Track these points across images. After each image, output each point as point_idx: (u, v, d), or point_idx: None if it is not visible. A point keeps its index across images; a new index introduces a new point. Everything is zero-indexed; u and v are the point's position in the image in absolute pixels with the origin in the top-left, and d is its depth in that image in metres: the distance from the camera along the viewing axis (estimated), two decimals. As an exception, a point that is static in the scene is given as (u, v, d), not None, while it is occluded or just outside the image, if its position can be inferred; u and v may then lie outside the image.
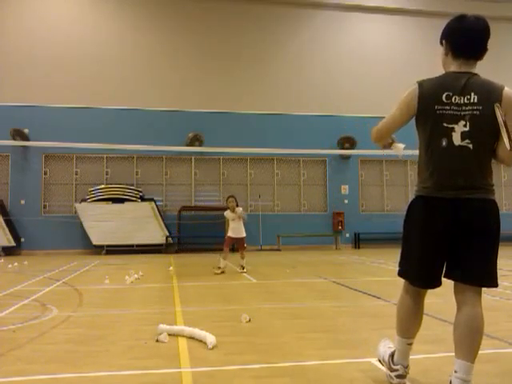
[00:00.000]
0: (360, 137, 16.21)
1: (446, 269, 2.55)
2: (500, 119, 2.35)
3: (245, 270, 8.95)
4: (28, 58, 15.53)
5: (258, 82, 16.79)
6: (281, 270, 9.56)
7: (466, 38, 2.50)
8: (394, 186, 17.38)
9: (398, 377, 2.75)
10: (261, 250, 15.68)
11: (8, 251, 14.26)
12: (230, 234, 9.12)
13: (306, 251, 15.26)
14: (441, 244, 2.49)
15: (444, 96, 2.44)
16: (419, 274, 2.56)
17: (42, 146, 13.90)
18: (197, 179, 16.41)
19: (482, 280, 2.47)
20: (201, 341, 3.77)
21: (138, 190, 15.27)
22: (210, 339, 3.68)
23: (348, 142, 16.57)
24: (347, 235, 16.71)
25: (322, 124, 16.54)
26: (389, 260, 11.32)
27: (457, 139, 2.42)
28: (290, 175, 16.98)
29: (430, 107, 2.45)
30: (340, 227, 16.48)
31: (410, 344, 2.71)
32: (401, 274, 2.67)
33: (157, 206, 15.18)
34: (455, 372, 2.42)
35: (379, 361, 2.99)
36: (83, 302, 5.83)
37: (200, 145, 15.83)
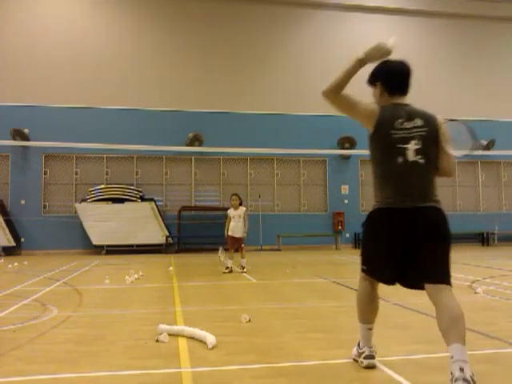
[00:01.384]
0: (360, 137, 16.20)
1: (407, 277, 2.84)
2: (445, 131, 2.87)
3: (245, 270, 8.96)
4: (28, 58, 15.53)
5: (258, 82, 16.79)
6: (281, 270, 9.56)
7: (398, 80, 2.97)
8: (393, 186, 17.37)
9: (366, 357, 3.06)
10: (261, 250, 15.68)
11: (8, 251, 14.26)
12: (230, 233, 9.09)
13: (306, 251, 15.26)
14: (399, 249, 2.79)
15: (398, 121, 2.83)
16: (382, 275, 2.94)
17: (42, 145, 13.90)
18: (197, 179, 16.41)
19: (440, 278, 2.72)
20: (201, 341, 3.77)
21: (137, 190, 15.27)
22: (210, 339, 3.68)
23: (348, 142, 16.57)
24: (347, 235, 16.71)
25: (321, 124, 16.54)
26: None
27: (411, 156, 2.80)
28: (290, 175, 16.98)
29: (386, 131, 2.82)
30: (340, 227, 16.49)
31: (370, 329, 3.08)
32: (365, 271, 3.02)
33: (157, 205, 15.18)
34: (452, 358, 2.54)
35: (354, 359, 3.21)
36: (83, 302, 5.83)
37: (200, 145, 15.83)
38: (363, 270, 3.04)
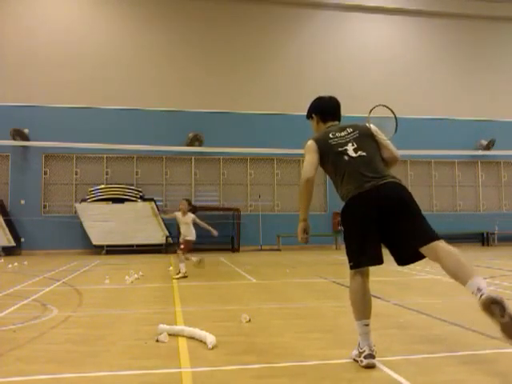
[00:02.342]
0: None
1: (399, 252, 3.13)
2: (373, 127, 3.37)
3: (181, 275, 8.26)
4: (28, 58, 15.53)
5: (258, 82, 16.79)
6: (281, 270, 9.56)
7: (329, 111, 3.57)
8: (393, 186, 17.34)
9: (366, 357, 3.06)
10: (261, 250, 15.69)
11: (8, 251, 14.27)
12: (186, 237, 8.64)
13: (306, 251, 15.26)
14: (375, 227, 3.06)
15: (330, 135, 3.36)
16: (369, 256, 3.12)
17: (42, 145, 13.91)
18: (197, 179, 16.41)
19: (431, 237, 2.98)
20: (201, 341, 3.77)
21: (137, 190, 15.27)
22: (210, 339, 3.68)
23: (348, 142, 16.56)
24: (347, 235, 16.70)
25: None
26: (388, 260, 11.31)
27: (352, 153, 3.23)
28: (290, 175, 16.99)
29: (326, 144, 3.32)
30: (340, 227, 16.48)
31: (367, 325, 3.12)
32: (353, 266, 3.16)
33: (157, 205, 15.18)
34: (472, 293, 2.67)
35: (354, 360, 3.21)
36: (83, 302, 5.83)
37: (200, 145, 15.83)
38: (351, 267, 3.19)
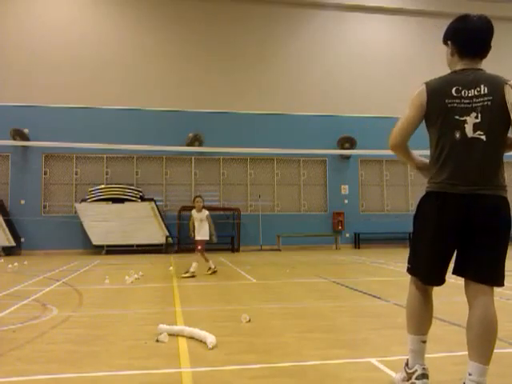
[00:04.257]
0: (360, 137, 16.22)
1: (456, 266, 2.55)
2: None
3: (210, 272, 8.61)
4: (28, 58, 15.53)
5: (258, 82, 16.79)
6: (281, 270, 9.56)
7: (471, 38, 2.60)
8: (393, 186, 17.35)
9: (418, 378, 2.57)
10: (261, 250, 15.68)
11: (8, 251, 14.26)
12: (196, 235, 8.73)
13: (306, 251, 15.26)
14: (452, 242, 2.49)
15: (453, 90, 2.49)
16: (429, 272, 2.56)
17: (41, 146, 13.89)
18: (197, 179, 16.41)
19: (493, 279, 2.46)
20: (201, 341, 3.77)
21: (137, 190, 15.26)
22: (210, 339, 3.68)
23: (348, 142, 16.57)
24: (347, 235, 16.71)
25: (321, 124, 16.54)
26: (389, 260, 11.33)
27: (469, 131, 2.44)
28: (290, 175, 16.98)
29: (441, 102, 2.49)
30: (340, 227, 16.48)
31: (424, 342, 2.64)
32: (410, 270, 2.66)
33: (157, 205, 15.18)
34: (469, 375, 2.38)
35: None
36: (83, 302, 5.83)
37: (200, 145, 15.83)
38: (408, 270, 2.69)
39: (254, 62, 16.87)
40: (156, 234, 14.99)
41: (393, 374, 2.95)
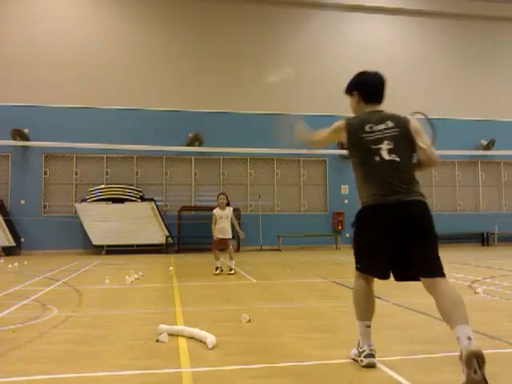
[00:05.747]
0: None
1: (400, 271, 3.01)
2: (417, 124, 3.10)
3: (232, 272, 8.59)
4: (28, 58, 15.53)
5: (258, 82, 16.74)
6: (281, 270, 9.56)
7: (372, 89, 3.27)
8: (394, 186, 17.32)
9: (366, 356, 3.06)
10: (261, 250, 15.69)
11: (8, 251, 14.27)
12: (217, 234, 8.67)
13: (306, 251, 15.26)
14: (391, 242, 2.94)
15: (367, 127, 3.08)
16: (376, 270, 3.06)
17: (41, 146, 13.90)
18: (197, 179, 16.41)
19: (437, 272, 2.88)
20: (201, 341, 3.77)
21: (137, 190, 15.26)
22: (210, 339, 3.68)
23: (348, 142, 16.56)
24: (347, 235, 16.69)
25: (321, 124, 16.36)
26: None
27: (386, 155, 3.00)
28: (290, 175, 16.98)
29: (359, 137, 3.08)
30: (340, 227, 16.48)
31: (369, 326, 3.12)
32: (360, 269, 3.14)
33: (157, 206, 15.18)
34: (458, 338, 2.61)
35: (353, 359, 3.21)
36: (83, 302, 5.83)
37: (200, 145, 15.83)
38: (357, 269, 3.16)
39: (254, 62, 16.86)
40: (156, 234, 14.99)
41: (393, 374, 2.96)
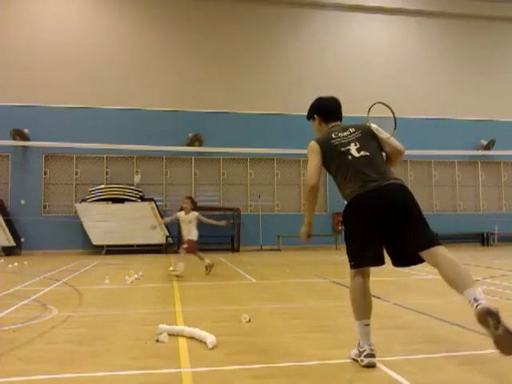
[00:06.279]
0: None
1: (396, 254, 3.14)
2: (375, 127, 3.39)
3: (175, 273, 8.18)
4: (28, 58, 15.53)
5: (258, 82, 16.79)
6: (281, 270, 9.56)
7: (330, 111, 3.58)
8: (393, 186, 17.32)
9: (366, 356, 3.08)
10: (261, 250, 15.69)
11: (8, 251, 14.27)
12: (184, 235, 8.52)
13: (306, 251, 15.25)
14: (379, 228, 3.06)
15: (333, 135, 3.38)
16: (370, 257, 3.13)
17: (41, 146, 13.90)
18: (197, 179, 16.41)
19: (431, 242, 2.99)
20: (201, 341, 3.77)
21: (137, 190, 15.26)
22: (210, 339, 3.68)
23: (348, 142, 16.56)
24: (347, 235, 16.70)
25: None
26: (388, 260, 11.30)
27: (355, 153, 3.24)
28: (290, 175, 16.98)
29: (329, 145, 3.34)
30: (340, 227, 16.46)
31: (368, 325, 3.14)
32: (355, 266, 3.16)
33: (157, 206, 15.17)
34: (469, 301, 2.65)
35: (353, 359, 3.22)
36: (83, 302, 5.83)
37: (200, 145, 15.83)
38: (352, 266, 3.20)
39: (254, 62, 16.87)
40: (156, 233, 14.98)
41: (393, 374, 2.96)
